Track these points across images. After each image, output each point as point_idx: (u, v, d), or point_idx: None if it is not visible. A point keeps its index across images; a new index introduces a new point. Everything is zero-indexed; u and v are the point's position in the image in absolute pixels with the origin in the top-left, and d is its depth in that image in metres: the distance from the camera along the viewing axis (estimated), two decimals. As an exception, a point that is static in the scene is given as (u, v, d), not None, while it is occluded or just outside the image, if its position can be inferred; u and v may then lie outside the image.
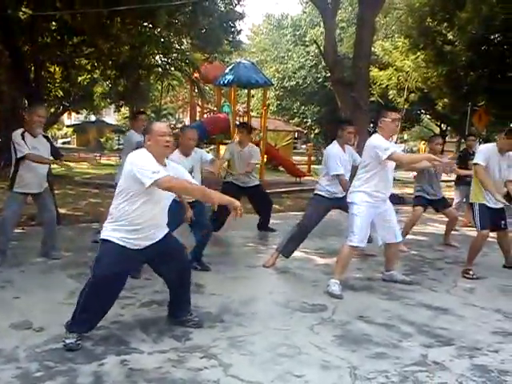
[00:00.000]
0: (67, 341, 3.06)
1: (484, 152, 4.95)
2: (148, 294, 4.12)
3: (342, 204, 5.02)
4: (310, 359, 3.04)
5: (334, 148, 5.12)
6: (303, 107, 31.29)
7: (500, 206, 5.04)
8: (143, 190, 2.99)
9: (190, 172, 4.71)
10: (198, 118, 15.16)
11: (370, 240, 4.73)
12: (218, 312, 3.82)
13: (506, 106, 13.77)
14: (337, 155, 5.04)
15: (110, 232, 3.13)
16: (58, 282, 4.39)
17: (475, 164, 4.93)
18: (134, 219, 3.09)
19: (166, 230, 3.35)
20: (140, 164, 2.98)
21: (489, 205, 4.98)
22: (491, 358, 3.12)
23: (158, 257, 3.31)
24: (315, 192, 5.27)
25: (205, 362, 2.95)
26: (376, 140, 4.31)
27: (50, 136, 5.22)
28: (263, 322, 3.65)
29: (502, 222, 5.14)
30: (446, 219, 6.60)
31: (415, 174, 6.53)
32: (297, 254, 5.77)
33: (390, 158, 4.19)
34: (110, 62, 9.76)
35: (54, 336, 3.21)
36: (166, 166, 3.18)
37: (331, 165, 5.02)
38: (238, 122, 14.77)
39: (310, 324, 3.61)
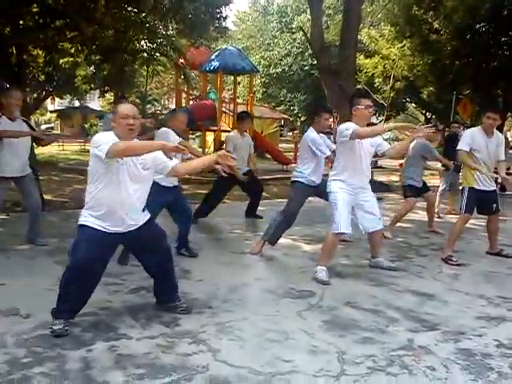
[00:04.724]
0: (54, 327, 3.05)
1: (467, 137, 5.04)
2: (136, 280, 4.11)
3: (318, 191, 5.15)
4: (298, 344, 3.07)
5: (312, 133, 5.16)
6: (289, 95, 31.20)
7: (492, 188, 5.17)
8: (105, 168, 3.00)
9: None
10: (183, 105, 15.03)
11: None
12: (206, 298, 3.82)
13: (490, 95, 13.92)
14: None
15: (85, 217, 3.12)
16: (44, 268, 4.35)
17: (458, 150, 5.05)
18: (102, 202, 3.07)
19: (147, 217, 3.29)
20: (98, 142, 2.98)
21: (480, 188, 5.08)
22: (475, 342, 3.18)
23: (138, 244, 3.30)
24: (294, 179, 5.25)
25: (194, 348, 2.96)
26: (340, 126, 4.36)
27: (32, 121, 5.11)
28: (251, 308, 3.67)
29: (494, 206, 5.24)
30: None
31: (400, 162, 6.59)
32: (283, 240, 5.80)
33: (352, 136, 4.17)
34: (94, 47, 9.59)
35: (41, 322, 3.19)
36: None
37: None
38: (225, 109, 14.74)
39: (297, 310, 3.64)
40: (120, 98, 6.59)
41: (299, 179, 5.15)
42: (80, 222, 3.13)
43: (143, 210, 3.27)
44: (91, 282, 3.16)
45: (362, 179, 4.49)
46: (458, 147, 5.06)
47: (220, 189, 6.82)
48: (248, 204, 7.23)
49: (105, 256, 3.20)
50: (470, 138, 5.00)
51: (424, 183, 6.56)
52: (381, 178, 12.43)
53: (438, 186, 6.91)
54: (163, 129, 4.89)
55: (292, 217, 5.15)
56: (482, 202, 5.15)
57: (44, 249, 5.00)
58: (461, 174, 8.34)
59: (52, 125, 42.33)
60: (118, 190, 3.06)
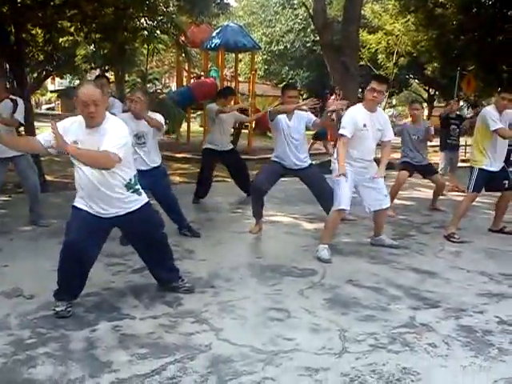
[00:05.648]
0: (57, 309, 3.07)
1: (490, 113, 4.89)
2: (139, 260, 4.07)
3: (301, 175, 5.10)
4: (300, 323, 3.09)
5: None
6: (292, 72, 30.84)
7: (501, 167, 5.10)
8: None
9: (141, 137, 4.49)
10: (184, 83, 14.89)
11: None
12: (209, 277, 3.85)
13: (494, 70, 13.74)
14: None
15: (76, 198, 3.14)
16: (46, 250, 4.36)
17: (495, 131, 4.84)
18: (79, 184, 3.08)
19: (142, 202, 3.20)
20: None
21: (490, 168, 5.03)
22: (476, 319, 3.20)
23: (130, 228, 3.28)
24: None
25: (196, 327, 2.99)
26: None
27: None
28: (253, 287, 3.69)
29: (506, 182, 5.17)
30: (433, 184, 6.64)
31: None
32: (285, 219, 5.82)
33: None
34: (94, 25, 9.44)
35: (44, 303, 3.22)
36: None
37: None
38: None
39: (299, 288, 3.66)
40: (97, 76, 6.43)
41: (272, 157, 5.16)
42: (73, 204, 3.15)
43: (139, 194, 3.20)
44: (83, 263, 3.11)
45: (366, 160, 4.48)
46: (494, 128, 4.81)
47: (206, 166, 6.77)
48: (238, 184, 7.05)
49: (95, 237, 3.12)
50: (494, 115, 4.89)
51: (429, 164, 6.53)
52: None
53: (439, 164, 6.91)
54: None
55: (258, 188, 5.08)
56: (491, 181, 5.09)
57: (46, 230, 5.01)
58: (461, 151, 8.31)
59: (53, 105, 42.16)
60: (80, 169, 3.01)
